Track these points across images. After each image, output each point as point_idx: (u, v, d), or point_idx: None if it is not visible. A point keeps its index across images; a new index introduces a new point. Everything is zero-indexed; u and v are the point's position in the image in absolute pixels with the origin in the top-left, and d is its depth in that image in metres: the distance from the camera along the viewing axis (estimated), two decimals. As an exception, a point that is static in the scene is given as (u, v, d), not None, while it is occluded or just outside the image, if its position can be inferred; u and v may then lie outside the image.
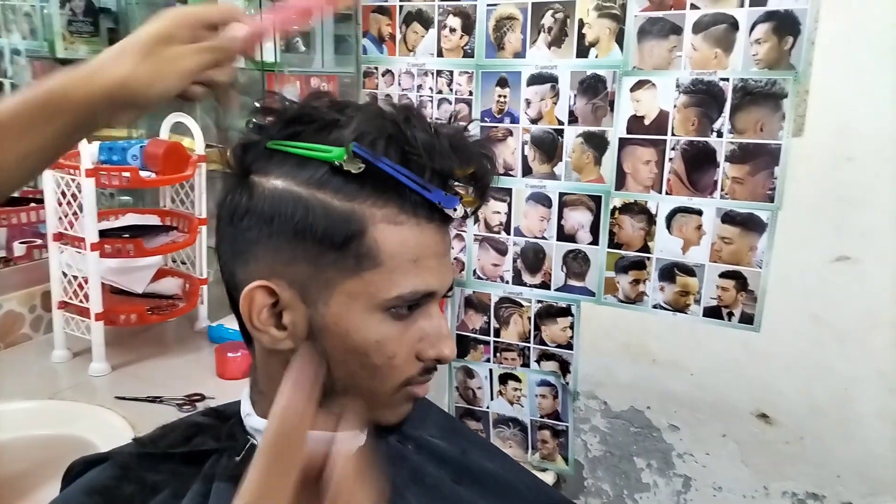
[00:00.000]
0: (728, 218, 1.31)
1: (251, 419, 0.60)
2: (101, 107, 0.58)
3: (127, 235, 1.30)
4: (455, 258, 1.60)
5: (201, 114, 1.61)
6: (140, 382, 1.25)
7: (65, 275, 1.27)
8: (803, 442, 1.35)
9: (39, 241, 1.42)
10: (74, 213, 1.23)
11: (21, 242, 1.45)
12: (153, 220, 1.45)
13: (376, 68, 1.59)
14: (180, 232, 1.42)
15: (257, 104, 0.57)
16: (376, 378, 0.56)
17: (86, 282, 1.23)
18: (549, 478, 1.62)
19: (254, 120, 0.57)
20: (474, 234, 1.57)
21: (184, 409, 1.17)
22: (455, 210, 0.56)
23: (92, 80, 0.58)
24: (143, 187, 1.38)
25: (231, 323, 1.39)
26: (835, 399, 1.30)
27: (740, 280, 1.33)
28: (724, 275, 1.34)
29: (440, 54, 1.50)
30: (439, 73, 1.51)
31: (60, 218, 1.25)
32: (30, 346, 1.38)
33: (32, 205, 1.39)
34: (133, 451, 0.61)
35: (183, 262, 1.51)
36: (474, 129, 1.49)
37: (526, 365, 1.59)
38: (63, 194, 1.23)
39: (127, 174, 1.24)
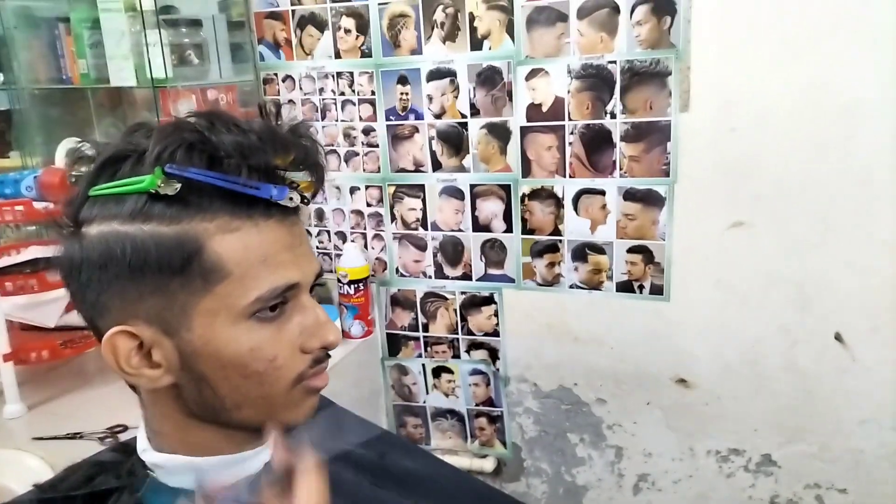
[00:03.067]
0: (629, 195, 1.36)
1: (148, 454, 0.60)
2: None
3: (28, 270, 1.26)
4: (377, 258, 1.61)
5: (98, 137, 1.56)
6: (59, 420, 1.21)
7: (-33, 318, 1.22)
8: (721, 402, 1.42)
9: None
10: (-32, 254, 1.18)
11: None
12: (58, 250, 1.40)
13: (276, 74, 1.57)
14: (88, 261, 1.37)
15: (71, 153, 0.57)
16: (265, 384, 0.56)
17: (-11, 323, 1.19)
18: (489, 463, 1.65)
19: (72, 174, 0.56)
20: (393, 233, 1.58)
21: (105, 442, 1.14)
22: (291, 200, 0.55)
23: None
24: (40, 220, 1.33)
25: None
26: (744, 357, 1.37)
27: (647, 253, 1.38)
28: (631, 250, 1.39)
29: (338, 56, 1.49)
30: (339, 74, 1.50)
31: (-46, 260, 1.20)
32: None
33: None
34: (34, 497, 0.60)
35: (95, 291, 1.46)
36: (379, 126, 1.49)
37: (456, 356, 1.61)
38: (-47, 236, 1.18)
39: (20, 207, 1.20)
